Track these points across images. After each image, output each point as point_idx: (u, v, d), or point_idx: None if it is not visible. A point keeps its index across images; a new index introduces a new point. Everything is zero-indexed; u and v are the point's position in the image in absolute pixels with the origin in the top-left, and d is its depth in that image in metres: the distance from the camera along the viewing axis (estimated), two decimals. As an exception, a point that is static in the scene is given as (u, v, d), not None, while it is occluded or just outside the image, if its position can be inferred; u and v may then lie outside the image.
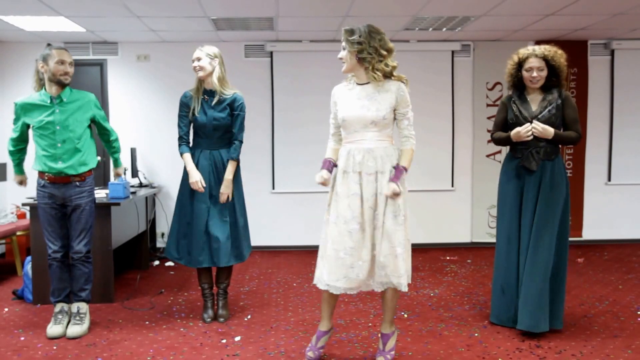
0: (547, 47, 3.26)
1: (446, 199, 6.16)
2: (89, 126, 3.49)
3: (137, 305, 4.01)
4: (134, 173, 5.48)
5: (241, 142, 3.59)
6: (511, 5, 4.63)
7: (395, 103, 2.72)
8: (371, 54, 2.66)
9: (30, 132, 3.43)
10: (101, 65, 5.93)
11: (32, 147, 3.50)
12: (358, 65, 2.73)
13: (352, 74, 2.81)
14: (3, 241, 5.37)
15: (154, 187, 5.62)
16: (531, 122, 3.21)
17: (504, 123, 3.41)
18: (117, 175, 3.85)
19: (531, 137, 3.20)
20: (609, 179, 6.20)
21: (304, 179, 5.92)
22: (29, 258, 4.12)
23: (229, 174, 3.52)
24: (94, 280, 3.63)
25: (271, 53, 5.96)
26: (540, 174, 3.26)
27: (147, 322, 3.63)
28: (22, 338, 3.34)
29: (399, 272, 2.70)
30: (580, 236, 6.16)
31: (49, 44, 3.45)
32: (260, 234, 5.81)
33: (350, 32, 2.70)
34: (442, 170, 6.13)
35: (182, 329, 3.49)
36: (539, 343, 3.17)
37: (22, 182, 3.66)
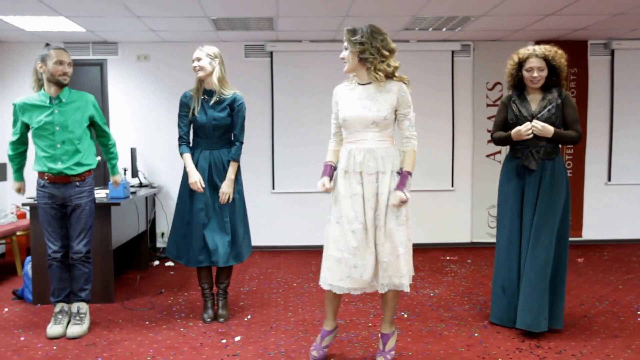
0: (548, 47, 3.26)
1: (446, 199, 6.16)
2: (89, 127, 3.48)
3: (137, 305, 4.01)
4: (134, 173, 5.48)
5: (242, 142, 3.59)
6: (511, 5, 4.63)
7: (396, 104, 2.72)
8: (373, 54, 2.66)
9: (30, 134, 3.43)
10: (101, 65, 5.93)
11: (32, 149, 3.48)
12: (360, 66, 2.73)
13: (353, 74, 2.81)
14: (3, 241, 5.37)
15: (154, 187, 5.62)
16: (531, 121, 3.21)
17: (504, 123, 3.41)
18: (115, 183, 3.79)
19: (531, 135, 3.20)
20: (609, 179, 6.20)
21: (304, 179, 5.93)
22: (29, 258, 4.12)
23: (230, 174, 3.52)
24: (94, 280, 3.63)
25: (271, 53, 5.96)
26: (541, 174, 3.26)
27: (147, 322, 3.63)
28: (22, 338, 3.34)
29: (401, 272, 2.70)
30: (580, 236, 6.16)
31: (47, 44, 3.44)
32: (260, 234, 5.81)
33: (353, 32, 2.69)
34: (442, 170, 6.13)
35: (182, 329, 3.49)
36: (539, 343, 3.17)
37: (20, 190, 3.61)
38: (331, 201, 2.83)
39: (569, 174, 3.38)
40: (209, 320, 3.62)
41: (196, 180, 3.47)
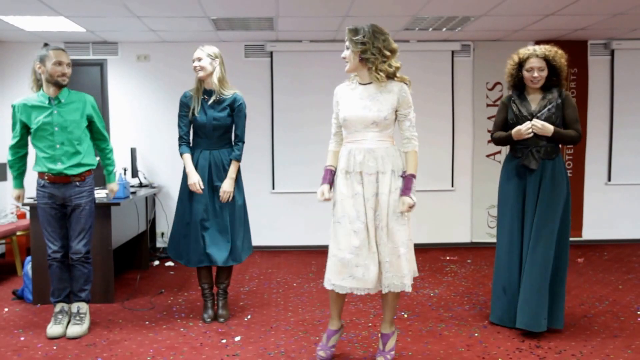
0: (548, 47, 3.26)
1: (446, 199, 6.16)
2: (88, 127, 3.47)
3: (137, 305, 4.01)
4: (134, 173, 5.48)
5: (244, 142, 3.60)
6: (511, 5, 4.63)
7: (397, 104, 2.72)
8: (374, 54, 2.66)
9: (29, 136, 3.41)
10: (101, 65, 5.93)
11: (32, 150, 3.46)
12: (361, 65, 2.72)
13: (354, 73, 2.81)
14: (3, 241, 5.37)
15: (154, 187, 5.62)
16: (531, 120, 3.21)
17: (504, 123, 3.41)
18: (111, 191, 3.69)
19: (531, 134, 3.20)
20: (609, 179, 6.20)
21: (304, 179, 5.93)
22: (29, 258, 4.12)
23: (232, 173, 3.52)
24: (94, 280, 3.62)
25: (271, 53, 5.96)
26: (541, 173, 3.26)
27: (147, 322, 3.63)
28: (22, 338, 3.34)
29: (403, 272, 2.70)
30: (580, 236, 6.16)
31: (45, 44, 3.39)
32: (260, 234, 5.81)
33: (354, 31, 2.69)
34: (442, 170, 6.13)
35: (182, 329, 3.49)
36: (539, 343, 3.17)
37: (19, 198, 3.55)
38: (333, 201, 2.83)
39: (569, 174, 3.37)
40: (209, 320, 3.62)
41: (195, 181, 3.47)
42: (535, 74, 3.23)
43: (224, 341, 3.27)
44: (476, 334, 3.34)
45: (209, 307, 3.69)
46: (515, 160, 3.36)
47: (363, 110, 2.72)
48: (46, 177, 3.36)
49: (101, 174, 5.78)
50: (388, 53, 2.68)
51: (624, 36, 5.90)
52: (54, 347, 3.18)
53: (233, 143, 3.63)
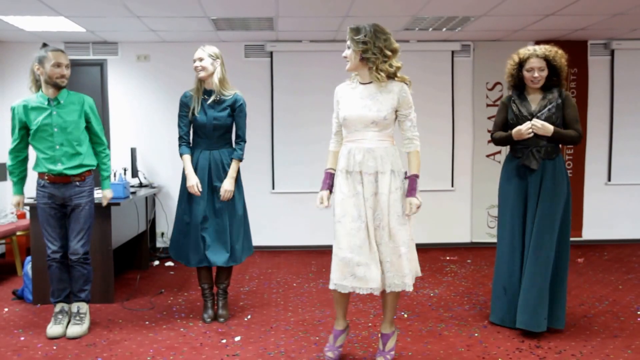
0: (548, 47, 3.26)
1: (446, 199, 6.16)
2: (86, 128, 3.46)
3: (137, 305, 4.01)
4: (134, 173, 5.48)
5: (246, 142, 3.60)
6: (511, 5, 4.63)
7: (396, 104, 2.72)
8: (375, 54, 2.66)
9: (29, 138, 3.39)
10: (101, 65, 5.93)
11: (32, 152, 3.44)
12: (362, 65, 2.72)
13: (355, 72, 2.81)
14: (3, 241, 5.37)
15: (154, 187, 5.62)
16: (531, 120, 3.21)
17: (504, 123, 3.41)
18: (105, 198, 3.59)
19: (532, 134, 3.20)
20: (609, 179, 6.20)
21: (304, 179, 5.93)
22: (29, 258, 4.12)
23: (232, 172, 3.53)
24: (94, 280, 3.62)
25: (271, 53, 5.96)
26: (542, 173, 3.26)
27: (147, 322, 3.63)
28: (22, 338, 3.34)
29: (403, 271, 2.70)
30: (580, 236, 6.16)
31: (44, 44, 3.37)
32: (260, 234, 5.80)
33: (356, 31, 2.69)
34: (442, 170, 6.13)
35: (182, 329, 3.49)
36: (539, 343, 3.17)
37: (19, 204, 3.49)
38: (334, 201, 2.83)
39: (569, 174, 3.37)
40: (209, 320, 3.62)
41: (193, 184, 3.47)
42: (536, 74, 3.23)
43: (224, 341, 3.27)
44: (476, 334, 3.34)
45: (209, 307, 3.69)
46: (515, 161, 3.35)
47: (363, 110, 2.72)
48: (46, 177, 3.36)
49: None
50: (389, 53, 2.68)
51: (624, 36, 5.89)
52: (54, 347, 3.18)
53: (234, 143, 3.63)
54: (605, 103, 6.15)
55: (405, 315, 3.73)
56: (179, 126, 3.57)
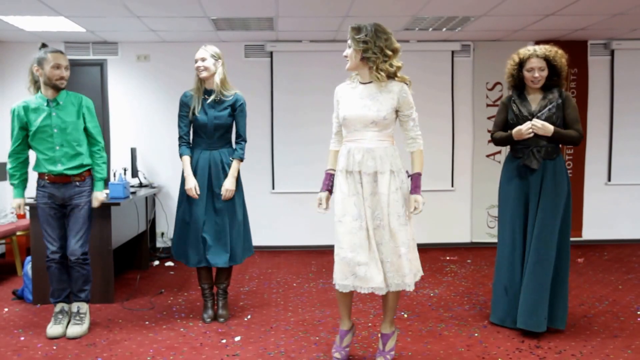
0: (548, 47, 3.26)
1: (446, 199, 6.16)
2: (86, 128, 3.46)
3: (137, 305, 4.01)
4: (134, 173, 5.48)
5: (246, 141, 3.61)
6: (511, 5, 4.63)
7: (396, 104, 2.72)
8: (376, 53, 2.65)
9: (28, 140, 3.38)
10: (101, 65, 5.93)
11: (32, 153, 3.44)
12: (362, 64, 2.72)
13: (355, 72, 2.81)
14: (3, 241, 5.37)
15: (154, 187, 5.62)
16: (531, 120, 3.21)
17: (504, 123, 3.41)
18: (96, 199, 3.45)
19: (532, 134, 3.20)
20: (609, 179, 6.20)
21: (304, 179, 5.93)
22: (29, 258, 4.12)
23: (234, 171, 3.53)
24: (94, 280, 3.62)
25: (271, 53, 5.96)
26: (542, 174, 3.26)
27: (147, 322, 3.63)
28: (22, 338, 3.34)
29: (403, 271, 2.70)
30: (580, 236, 6.16)
31: (43, 45, 3.36)
32: (260, 234, 5.80)
33: (357, 30, 2.69)
34: (442, 170, 6.13)
35: (182, 329, 3.49)
36: (538, 343, 3.17)
37: (20, 207, 3.42)
38: (334, 200, 2.83)
39: (569, 174, 3.37)
40: (209, 320, 3.62)
41: (192, 187, 3.48)
42: (536, 74, 3.22)
43: (224, 341, 3.27)
44: (476, 334, 3.34)
45: (209, 307, 3.69)
46: (516, 161, 3.35)
47: (363, 110, 2.72)
48: (46, 178, 3.36)
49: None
50: (390, 52, 2.67)
51: (624, 36, 5.90)
52: (54, 347, 3.18)
53: (235, 142, 3.63)
54: (605, 103, 6.15)
55: (405, 315, 3.73)
56: (179, 126, 3.57)
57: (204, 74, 3.46)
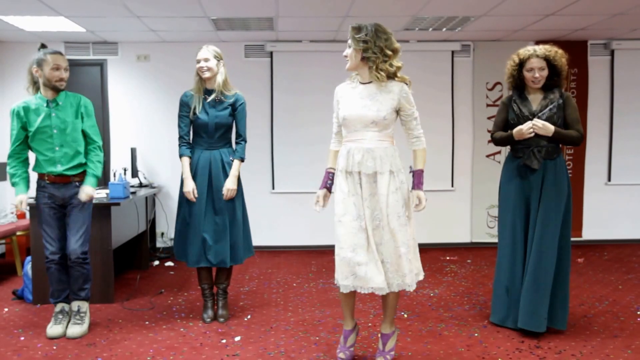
0: (548, 47, 3.26)
1: (446, 199, 6.16)
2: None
3: (137, 305, 4.01)
4: (134, 173, 5.48)
5: (246, 141, 3.61)
6: (511, 5, 4.63)
7: (396, 104, 2.72)
8: (376, 53, 2.65)
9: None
10: (101, 65, 5.93)
11: (32, 154, 3.43)
12: (362, 64, 2.72)
13: (355, 72, 2.81)
14: (3, 241, 5.37)
15: (154, 187, 5.62)
16: (532, 120, 3.21)
17: (505, 123, 3.41)
18: (84, 193, 3.33)
19: (533, 134, 3.20)
20: (609, 179, 6.20)
21: (304, 179, 5.93)
22: (29, 258, 4.12)
23: (235, 171, 3.53)
24: (94, 280, 3.62)
25: (271, 53, 5.96)
26: (543, 174, 3.26)
27: (147, 322, 3.63)
28: (22, 338, 3.34)
29: (403, 271, 2.69)
30: (580, 236, 6.16)
31: (42, 46, 3.35)
32: (260, 234, 5.80)
33: (357, 29, 2.69)
34: (442, 170, 6.13)
35: (182, 329, 3.49)
36: (538, 343, 3.17)
37: (22, 203, 3.31)
38: (335, 200, 2.83)
39: (569, 174, 3.37)
40: (208, 320, 3.62)
41: (190, 190, 3.48)
42: (537, 74, 3.22)
43: (224, 341, 3.27)
44: (476, 334, 3.34)
45: (209, 307, 3.69)
46: (516, 161, 3.35)
47: (363, 110, 2.72)
48: (46, 178, 3.36)
49: (101, 174, 5.80)
50: (390, 52, 2.67)
51: (624, 36, 5.90)
52: (54, 347, 3.18)
53: (235, 143, 3.64)
54: (605, 103, 6.15)
55: (405, 315, 3.73)
56: (179, 126, 3.57)
57: (207, 75, 3.46)
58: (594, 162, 6.17)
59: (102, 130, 5.68)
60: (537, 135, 3.21)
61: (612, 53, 6.08)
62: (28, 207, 3.90)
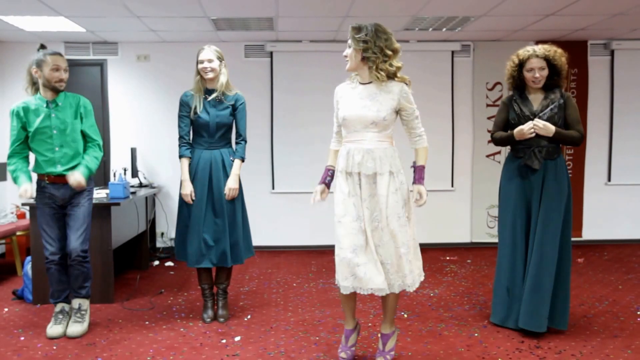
0: (547, 46, 3.26)
1: (446, 199, 6.16)
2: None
3: (137, 305, 4.01)
4: (134, 173, 5.48)
5: (246, 141, 3.62)
6: (511, 5, 4.63)
7: (396, 104, 2.72)
8: (376, 53, 2.65)
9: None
10: (101, 65, 5.93)
11: (31, 155, 3.43)
12: (362, 64, 2.72)
13: (355, 72, 2.81)
14: (3, 241, 5.37)
15: (154, 187, 5.62)
16: (533, 120, 3.21)
17: (505, 123, 3.41)
18: (72, 176, 3.26)
19: (533, 134, 3.19)
20: (609, 179, 6.20)
21: (304, 179, 5.92)
22: (29, 258, 4.12)
23: (236, 170, 3.54)
24: (94, 281, 3.62)
25: (271, 53, 5.96)
26: (543, 174, 3.26)
27: (147, 322, 3.63)
28: (22, 338, 3.34)
29: (403, 272, 2.69)
30: (580, 236, 6.16)
31: (41, 46, 3.35)
32: (260, 234, 5.80)
33: (357, 29, 2.68)
34: (442, 170, 6.13)
35: (182, 329, 3.49)
36: (538, 343, 3.17)
37: (27, 191, 3.22)
38: (335, 201, 2.83)
39: (569, 174, 3.37)
40: (208, 320, 3.62)
41: (188, 192, 3.49)
42: (537, 74, 3.22)
43: (224, 341, 3.27)
44: (476, 334, 3.34)
45: (209, 307, 3.69)
46: (517, 161, 3.35)
47: (362, 110, 2.71)
48: (46, 179, 3.36)
49: (101, 174, 5.82)
50: (390, 52, 2.67)
51: (624, 36, 5.90)
52: (54, 347, 3.18)
53: (235, 142, 3.64)
54: (605, 103, 6.15)
55: (405, 315, 3.73)
56: (179, 126, 3.57)
57: (210, 75, 3.46)
58: (594, 162, 6.17)
59: (102, 130, 5.68)
60: (537, 136, 3.21)
61: (612, 53, 6.07)
62: (28, 208, 3.89)
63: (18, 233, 5.05)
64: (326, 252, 5.74)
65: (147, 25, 5.20)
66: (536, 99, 3.32)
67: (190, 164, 3.57)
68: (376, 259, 2.69)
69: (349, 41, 2.72)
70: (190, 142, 3.61)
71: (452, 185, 6.18)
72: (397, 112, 2.76)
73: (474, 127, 6.12)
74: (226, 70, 3.53)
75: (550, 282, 3.20)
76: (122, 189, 4.25)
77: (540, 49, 3.24)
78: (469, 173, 6.17)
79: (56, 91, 3.33)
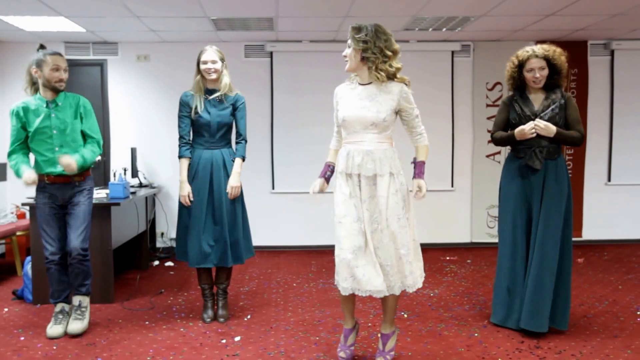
0: (546, 46, 3.27)
1: (446, 199, 6.16)
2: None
3: (137, 305, 4.01)
4: (134, 173, 5.48)
5: (247, 141, 3.62)
6: (511, 6, 4.63)
7: (396, 105, 2.72)
8: (375, 53, 2.65)
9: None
10: (101, 65, 5.93)
11: (31, 155, 3.43)
12: (361, 65, 2.72)
13: (355, 73, 2.81)
14: (3, 241, 5.37)
15: (154, 187, 5.62)
16: (534, 120, 3.21)
17: (505, 123, 3.41)
18: (64, 161, 3.19)
19: (534, 134, 3.19)
20: (609, 179, 6.20)
21: (304, 179, 5.90)
22: (29, 258, 4.12)
23: (237, 168, 3.54)
24: (94, 280, 3.62)
25: (271, 53, 5.96)
26: (544, 174, 3.26)
27: (147, 322, 3.63)
28: (22, 338, 3.34)
29: (404, 273, 2.69)
30: (580, 236, 6.16)
31: (41, 46, 3.35)
32: (260, 234, 5.80)
33: (357, 29, 2.68)
34: (442, 170, 6.13)
35: (182, 329, 3.49)
36: (538, 343, 3.17)
37: (31, 176, 3.17)
38: (335, 202, 2.82)
39: (569, 174, 3.37)
40: (208, 320, 3.62)
41: (185, 194, 3.50)
42: (537, 74, 3.22)
43: (223, 341, 3.27)
44: (476, 334, 3.34)
45: (209, 307, 3.69)
46: (517, 161, 3.35)
47: (362, 111, 2.71)
48: (46, 179, 3.36)
49: (101, 174, 5.82)
50: (389, 53, 2.67)
51: (624, 36, 5.90)
52: (54, 347, 3.18)
53: (236, 142, 3.64)
54: (605, 103, 6.15)
55: (405, 315, 3.73)
56: (179, 126, 3.57)
57: (213, 76, 3.47)
58: (594, 162, 6.17)
59: (102, 130, 5.68)
60: (538, 136, 3.21)
61: (612, 53, 6.07)
62: (28, 208, 3.89)
63: (18, 233, 5.05)
64: (326, 252, 5.74)
65: (147, 25, 5.20)
66: (537, 99, 3.31)
67: (190, 164, 3.57)
68: (375, 260, 2.68)
69: (349, 41, 2.71)
70: (190, 141, 3.61)
71: (452, 185, 6.18)
72: (397, 112, 2.76)
73: (474, 127, 6.12)
74: (227, 71, 3.54)
75: (552, 282, 3.20)
76: (122, 189, 4.25)
77: (539, 48, 3.24)
78: (469, 173, 6.17)
79: (56, 91, 3.33)
